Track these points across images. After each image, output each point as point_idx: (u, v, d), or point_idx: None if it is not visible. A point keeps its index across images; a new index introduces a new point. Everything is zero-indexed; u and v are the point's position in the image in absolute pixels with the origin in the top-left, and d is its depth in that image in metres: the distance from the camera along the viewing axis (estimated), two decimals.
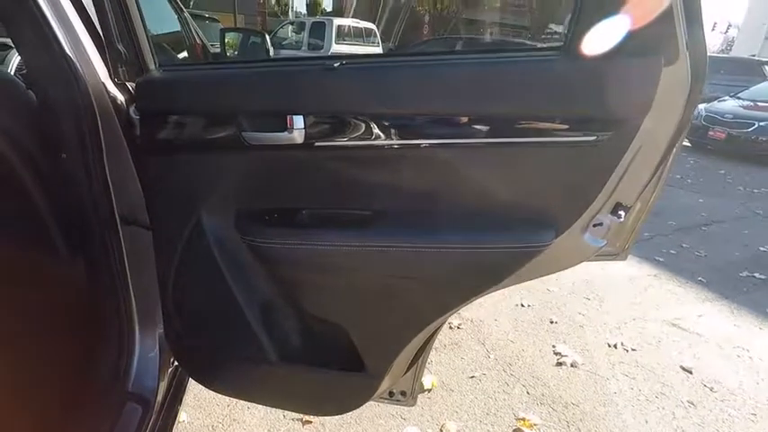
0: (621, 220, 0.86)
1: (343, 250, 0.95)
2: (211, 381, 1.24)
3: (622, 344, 2.28)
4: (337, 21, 10.38)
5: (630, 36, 0.71)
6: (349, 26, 10.50)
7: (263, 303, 1.08)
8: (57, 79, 0.97)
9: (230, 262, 1.04)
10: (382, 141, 0.89)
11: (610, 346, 2.27)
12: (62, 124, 1.02)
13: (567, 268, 0.93)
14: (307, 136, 0.90)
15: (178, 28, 1.92)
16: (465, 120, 0.86)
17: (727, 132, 7.01)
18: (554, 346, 2.23)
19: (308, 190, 0.98)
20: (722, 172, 6.18)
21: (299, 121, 0.89)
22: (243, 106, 0.95)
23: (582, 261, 0.91)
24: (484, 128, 0.85)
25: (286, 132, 0.90)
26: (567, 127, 0.81)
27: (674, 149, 0.81)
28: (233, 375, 1.20)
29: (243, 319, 1.07)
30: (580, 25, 0.74)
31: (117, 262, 1.12)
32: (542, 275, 0.96)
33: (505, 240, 0.88)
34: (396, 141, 0.90)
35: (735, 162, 6.66)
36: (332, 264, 0.98)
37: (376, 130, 0.88)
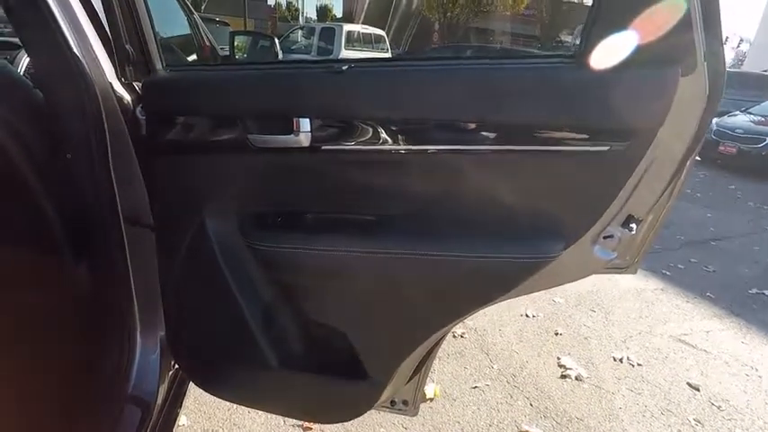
0: (633, 232, 0.84)
1: (348, 256, 0.94)
2: (212, 385, 1.23)
3: (628, 358, 2.25)
4: (347, 26, 10.45)
5: (647, 45, 0.70)
6: (358, 32, 10.58)
7: (266, 308, 1.07)
8: (64, 79, 0.96)
9: (233, 265, 1.03)
10: (390, 146, 0.88)
11: (615, 360, 2.24)
12: (68, 124, 1.01)
13: (575, 280, 0.91)
14: (313, 139, 0.89)
15: (188, 31, 1.93)
16: (474, 126, 0.85)
17: (737, 147, 6.95)
18: (559, 359, 2.20)
19: (314, 194, 0.97)
20: (732, 187, 6.12)
21: (305, 125, 0.88)
22: (249, 108, 0.94)
23: (591, 274, 0.90)
24: (494, 135, 0.84)
25: (292, 135, 0.89)
26: (579, 136, 0.80)
27: (689, 163, 0.80)
28: (234, 380, 1.18)
29: (245, 324, 1.06)
30: (595, 32, 0.73)
31: (120, 263, 1.11)
32: (550, 287, 0.94)
33: (513, 250, 0.86)
34: (403, 146, 0.89)
35: (745, 177, 6.60)
36: (335, 269, 0.97)
37: (383, 135, 0.87)
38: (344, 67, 0.86)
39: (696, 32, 0.68)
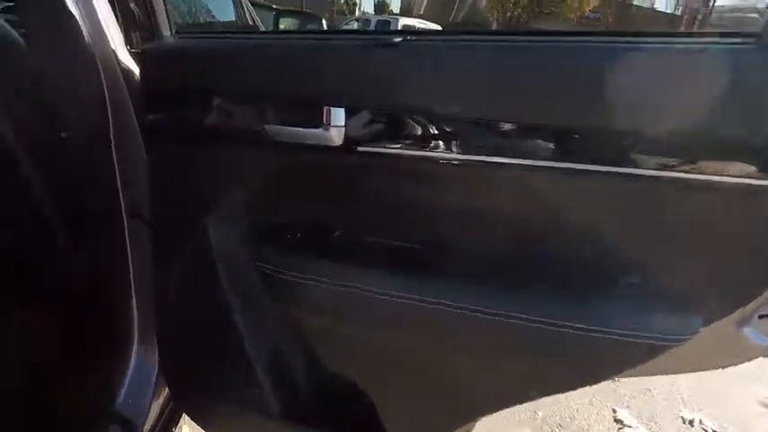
0: None
1: (382, 300, 0.70)
2: (204, 421, 1.06)
3: (701, 421, 1.90)
4: (403, 20, 10.43)
5: None
6: (415, 27, 10.46)
7: (273, 346, 0.87)
8: (57, 43, 0.82)
9: (238, 288, 0.84)
10: (453, 155, 0.63)
11: (685, 421, 1.90)
12: (63, 97, 0.88)
13: (705, 370, 0.64)
14: (347, 137, 0.66)
15: (230, 5, 1.79)
16: (583, 134, 0.58)
17: None
18: (615, 411, 1.89)
19: (343, 210, 0.75)
20: None
21: (338, 116, 0.65)
22: (266, 89, 0.73)
23: (734, 365, 0.62)
24: (612, 150, 0.57)
25: (320, 129, 0.66)
26: (747, 159, 0.52)
27: None
28: (229, 421, 1.00)
29: (245, 360, 0.87)
30: None
31: (119, 262, 0.97)
32: (666, 374, 0.67)
33: (621, 324, 0.59)
34: (472, 157, 0.63)
35: None
36: (364, 315, 0.74)
37: (446, 138, 0.63)
38: (397, 39, 0.61)
39: None
